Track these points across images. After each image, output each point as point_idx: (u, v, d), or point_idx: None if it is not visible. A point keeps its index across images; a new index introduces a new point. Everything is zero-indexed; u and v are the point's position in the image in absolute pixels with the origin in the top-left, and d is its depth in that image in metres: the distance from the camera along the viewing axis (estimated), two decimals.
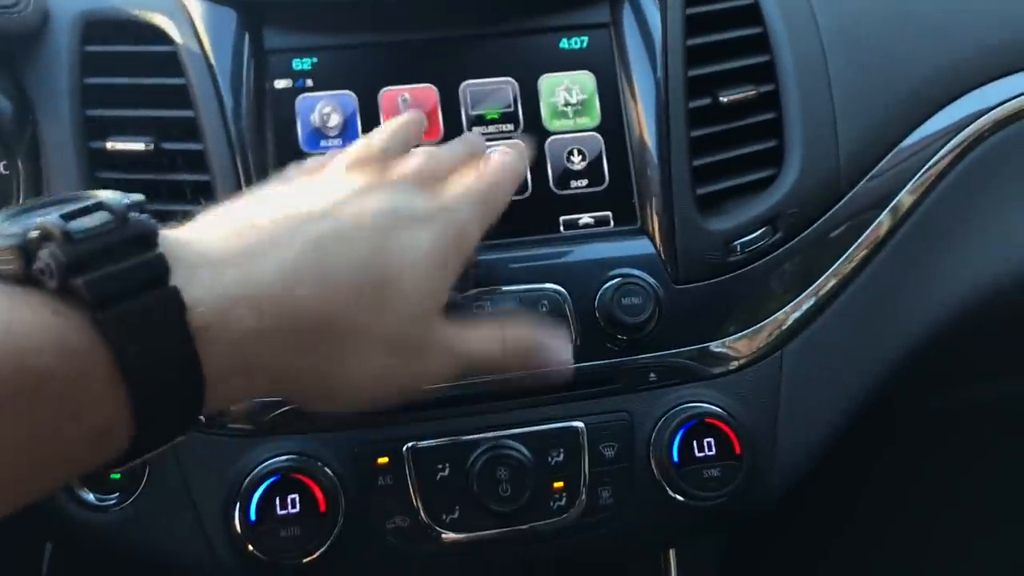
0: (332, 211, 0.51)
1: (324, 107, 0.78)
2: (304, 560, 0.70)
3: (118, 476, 0.71)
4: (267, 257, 0.46)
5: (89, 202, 0.41)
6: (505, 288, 0.75)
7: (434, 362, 0.54)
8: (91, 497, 0.72)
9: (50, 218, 0.39)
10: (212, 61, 0.75)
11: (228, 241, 0.46)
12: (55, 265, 0.37)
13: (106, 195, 0.42)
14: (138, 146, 0.74)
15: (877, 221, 0.82)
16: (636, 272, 0.76)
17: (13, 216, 0.41)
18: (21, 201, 0.73)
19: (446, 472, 0.73)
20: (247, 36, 0.77)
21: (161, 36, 0.77)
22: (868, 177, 0.82)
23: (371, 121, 0.79)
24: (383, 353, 0.50)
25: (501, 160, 0.64)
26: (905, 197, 0.83)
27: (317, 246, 0.48)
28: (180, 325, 0.40)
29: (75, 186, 0.73)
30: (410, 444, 0.73)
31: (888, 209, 0.82)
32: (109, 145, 0.74)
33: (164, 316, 0.40)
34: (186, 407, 0.42)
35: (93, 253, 0.39)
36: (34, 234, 0.38)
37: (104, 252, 0.39)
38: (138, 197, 0.43)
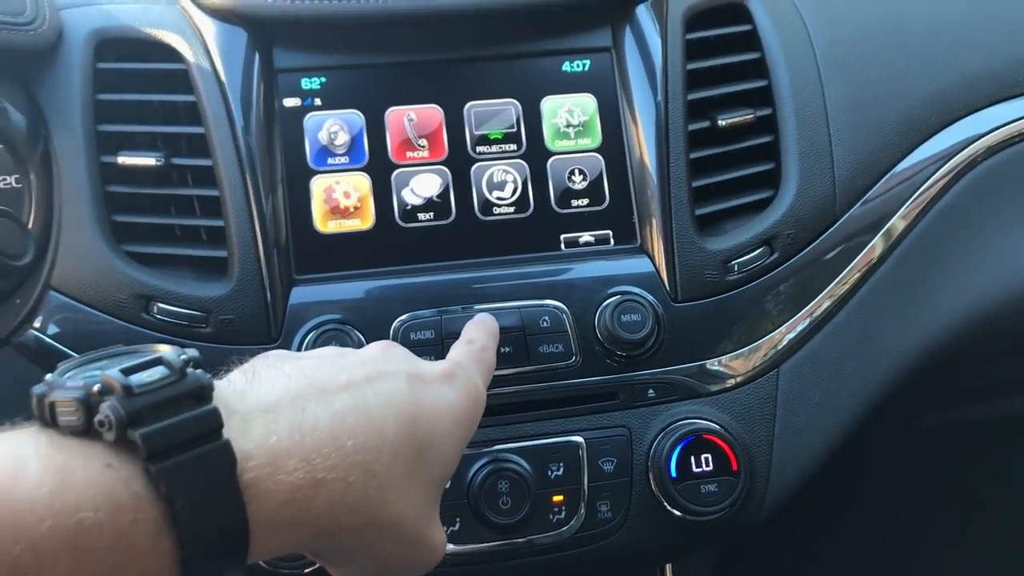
0: (367, 365, 0.53)
1: (332, 125, 0.80)
2: (306, 570, 0.71)
3: None
4: (317, 405, 0.47)
5: (148, 357, 0.43)
6: (507, 304, 0.77)
7: (427, 555, 0.54)
8: None
9: (111, 372, 0.41)
10: (223, 79, 0.77)
11: (279, 389, 0.47)
12: (115, 418, 0.39)
13: (165, 350, 0.44)
14: (149, 161, 0.76)
15: (871, 244, 0.84)
16: (636, 290, 0.78)
17: (76, 368, 0.43)
18: (32, 215, 0.74)
19: (447, 484, 0.74)
20: (257, 55, 0.79)
21: (172, 54, 0.78)
22: (863, 201, 0.84)
23: (377, 139, 0.80)
24: (401, 539, 0.51)
25: (479, 323, 0.70)
26: (898, 221, 0.84)
27: (363, 397, 0.50)
28: (230, 479, 0.41)
29: (87, 200, 0.74)
30: None
31: (881, 232, 0.84)
32: (120, 160, 0.76)
33: (214, 470, 0.41)
34: (230, 559, 0.42)
35: (151, 407, 0.40)
36: (96, 388, 0.40)
37: (161, 406, 0.40)
38: (193, 353, 0.44)
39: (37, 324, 0.74)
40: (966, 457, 1.32)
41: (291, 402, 0.46)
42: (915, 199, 0.85)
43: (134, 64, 0.79)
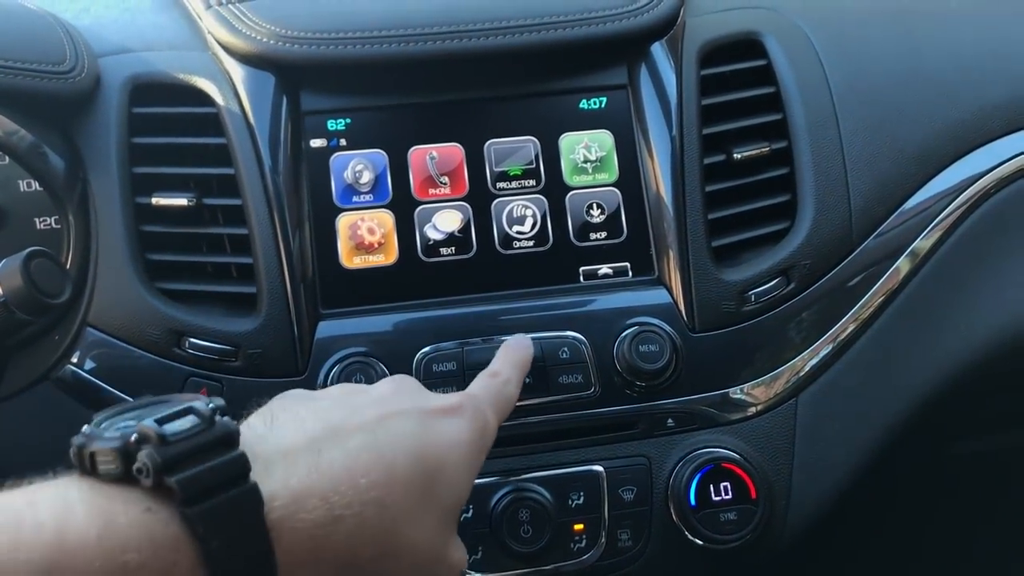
0: (378, 405, 0.56)
1: (357, 165, 0.82)
2: None
3: None
4: (332, 446, 0.50)
5: (180, 407, 0.45)
6: (528, 335, 0.78)
7: (446, 573, 0.58)
8: None
9: (147, 423, 0.43)
10: (252, 122, 0.80)
11: (297, 432, 0.51)
12: (151, 466, 0.42)
13: (193, 400, 0.46)
14: (181, 201, 0.78)
15: (894, 267, 0.84)
16: (653, 321, 0.79)
17: (110, 418, 0.46)
18: (70, 254, 0.77)
19: (469, 514, 0.75)
20: (285, 98, 0.81)
21: (204, 99, 0.81)
22: (878, 232, 0.84)
23: (400, 177, 0.83)
24: (418, 563, 0.54)
25: (513, 348, 0.73)
26: (916, 249, 0.85)
27: (374, 436, 0.53)
28: (258, 519, 0.44)
29: (122, 240, 0.77)
30: None
31: (905, 255, 0.85)
32: (154, 200, 0.78)
33: (244, 511, 0.43)
34: None
35: (184, 454, 0.43)
36: (133, 437, 0.43)
37: (194, 452, 0.43)
38: (220, 402, 0.47)
39: (74, 360, 0.76)
40: (1000, 485, 1.30)
41: (307, 445, 0.49)
42: (931, 229, 0.85)
43: (168, 108, 0.81)
